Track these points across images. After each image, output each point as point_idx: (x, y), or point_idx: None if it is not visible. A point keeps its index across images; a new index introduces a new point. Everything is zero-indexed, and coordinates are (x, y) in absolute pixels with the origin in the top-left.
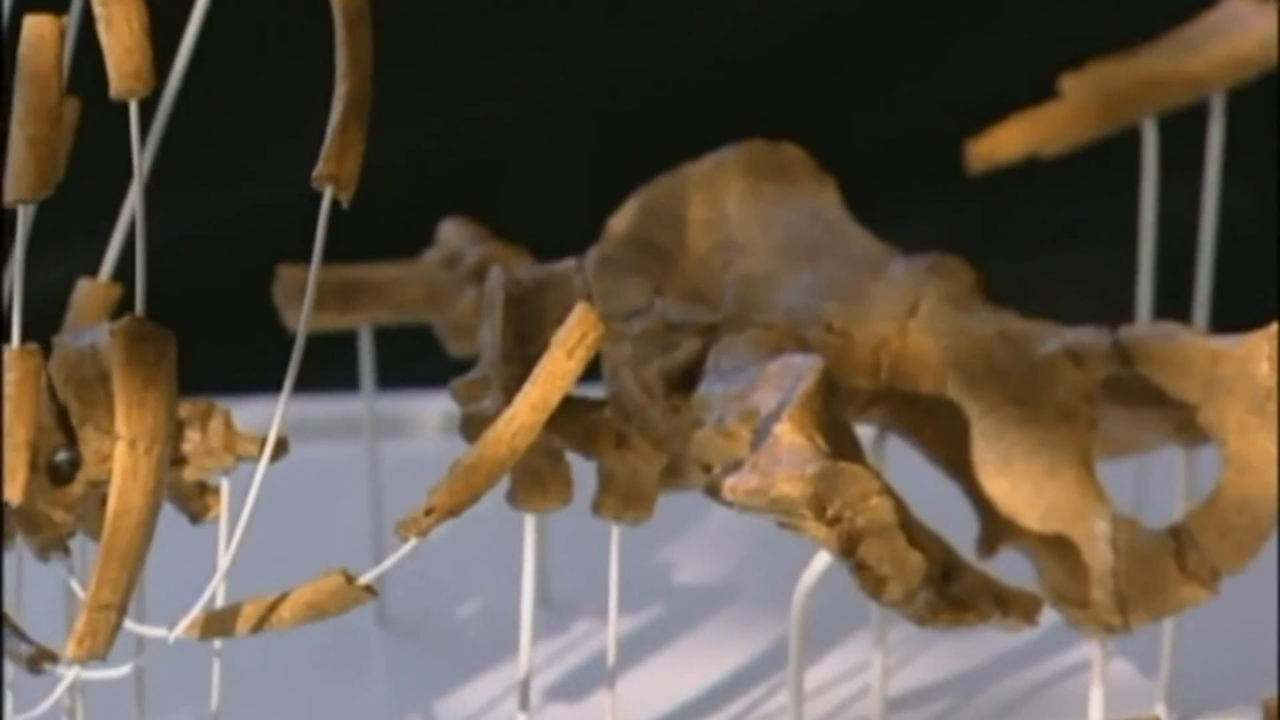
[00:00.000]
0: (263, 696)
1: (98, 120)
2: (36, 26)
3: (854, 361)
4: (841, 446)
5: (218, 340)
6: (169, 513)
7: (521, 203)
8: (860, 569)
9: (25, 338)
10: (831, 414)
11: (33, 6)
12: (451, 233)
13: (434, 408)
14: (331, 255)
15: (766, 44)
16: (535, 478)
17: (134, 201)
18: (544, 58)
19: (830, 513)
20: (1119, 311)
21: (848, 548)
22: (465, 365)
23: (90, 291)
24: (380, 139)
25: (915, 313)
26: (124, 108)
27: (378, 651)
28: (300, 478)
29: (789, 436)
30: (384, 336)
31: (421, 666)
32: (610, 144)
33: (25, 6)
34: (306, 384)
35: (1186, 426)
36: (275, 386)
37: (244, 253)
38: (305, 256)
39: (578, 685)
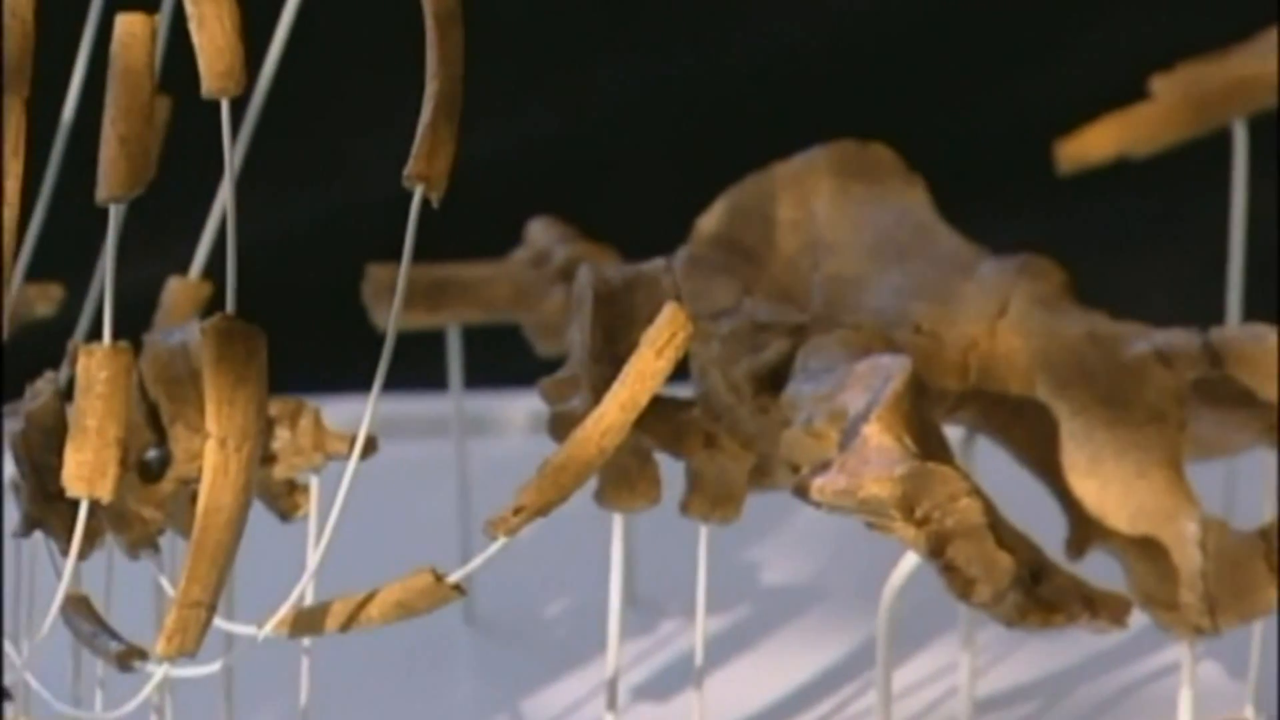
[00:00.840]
0: (350, 695)
1: (187, 119)
2: (128, 25)
3: (943, 362)
4: (930, 447)
5: (307, 338)
6: (258, 511)
7: (610, 202)
8: (949, 570)
9: (116, 336)
10: (920, 415)
11: (125, 5)
12: (540, 232)
13: (521, 407)
14: (420, 254)
15: (858, 43)
16: (623, 477)
17: (225, 200)
18: (636, 56)
19: (919, 514)
20: (1208, 313)
21: (936, 549)
22: (553, 364)
23: (180, 289)
24: (469, 137)
25: (1004, 314)
26: (214, 106)
27: (465, 650)
28: (388, 476)
29: (877, 437)
30: (472, 335)
31: (508, 665)
32: (699, 143)
33: (117, 5)
34: (395, 383)
35: (1276, 428)
36: (363, 385)
37: (333, 251)
38: (394, 255)
39: (664, 685)
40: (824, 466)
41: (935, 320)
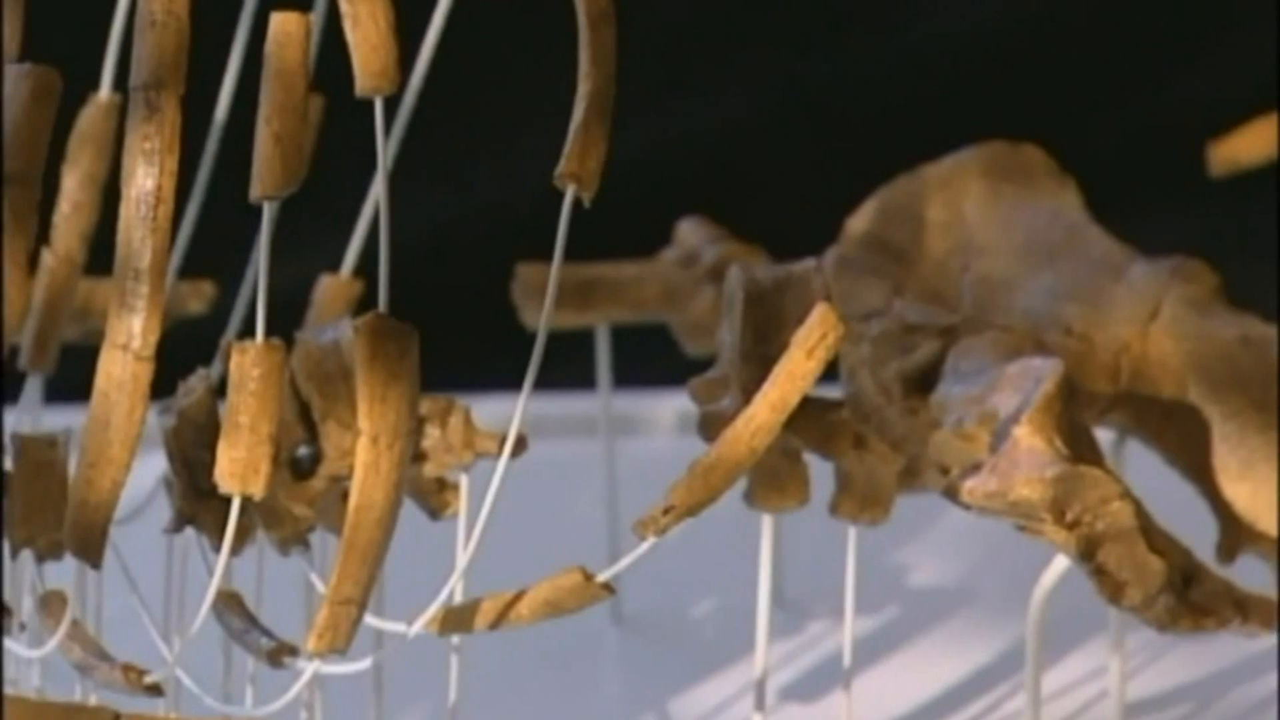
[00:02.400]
0: (498, 692)
1: (338, 117)
2: (283, 24)
3: (1094, 365)
4: (1081, 450)
5: (456, 337)
6: (408, 508)
7: (759, 202)
8: (1099, 573)
9: (268, 333)
10: (1071, 417)
11: (279, 4)
12: (689, 232)
13: (669, 406)
14: (569, 253)
15: (1008, 44)
16: (773, 477)
17: (378, 198)
18: (785, 55)
19: (1070, 516)
20: None
21: (1087, 552)
22: (701, 364)
23: (332, 287)
24: (619, 137)
25: (1157, 316)
26: (367, 105)
27: (612, 649)
28: (536, 475)
29: (1028, 439)
30: (620, 335)
31: (656, 665)
32: (849, 144)
33: (271, 4)
34: (543, 382)
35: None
36: (512, 384)
37: (483, 250)
38: (543, 254)
39: (813, 685)
40: (974, 468)
41: (1086, 322)
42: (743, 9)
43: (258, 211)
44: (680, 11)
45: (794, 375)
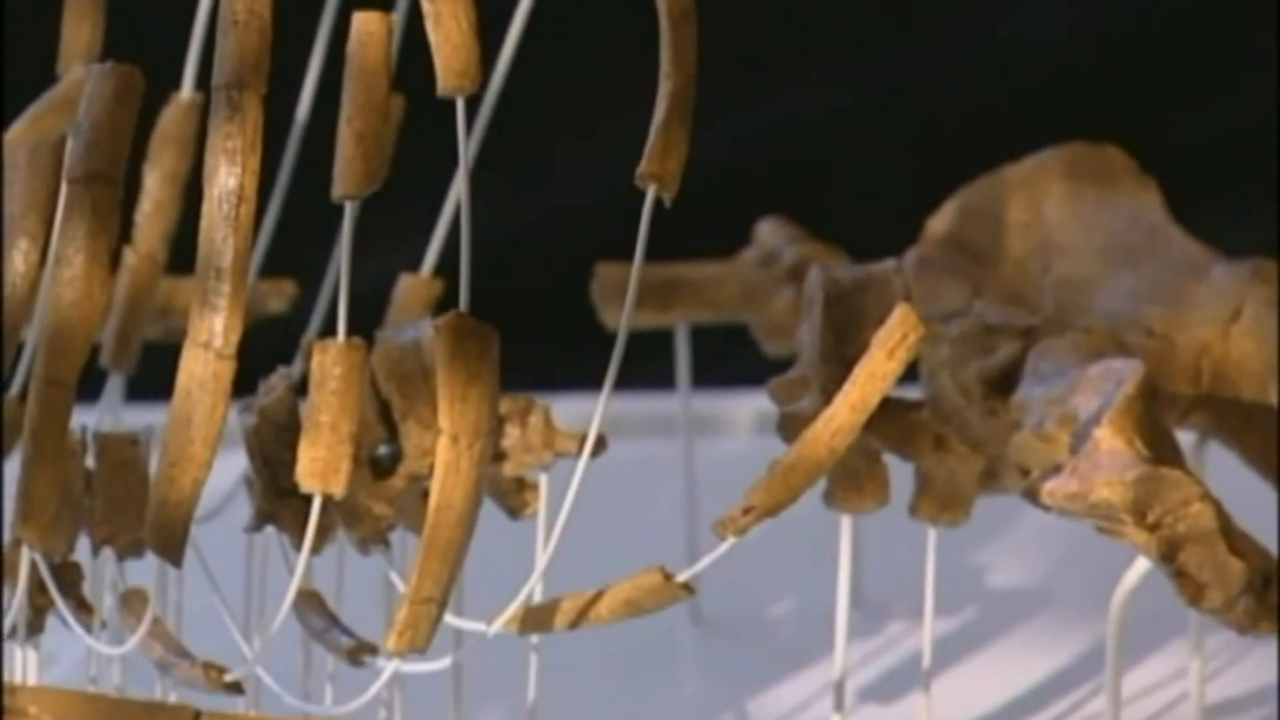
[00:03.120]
0: (576, 692)
1: (418, 117)
2: (365, 23)
3: (1175, 366)
4: (1162, 452)
5: (536, 336)
6: (487, 507)
7: (839, 202)
8: (1180, 575)
9: (349, 332)
10: (1152, 419)
11: (361, 4)
12: (769, 232)
13: (748, 406)
14: (649, 253)
15: (1089, 44)
16: (852, 478)
17: (460, 198)
18: (867, 56)
19: (1150, 518)
20: None
21: (1168, 554)
22: (780, 365)
23: (412, 286)
24: (699, 136)
25: (1238, 318)
26: (446, 104)
27: (690, 649)
28: (615, 475)
29: (1109, 441)
30: (700, 335)
31: (735, 665)
32: (930, 144)
33: (353, 4)
34: (622, 382)
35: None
36: (591, 383)
37: (562, 249)
38: (622, 254)
39: (892, 686)
40: (1054, 470)
41: (1167, 324)
42: (824, 9)
43: (338, 210)
44: (761, 11)
45: (874, 376)
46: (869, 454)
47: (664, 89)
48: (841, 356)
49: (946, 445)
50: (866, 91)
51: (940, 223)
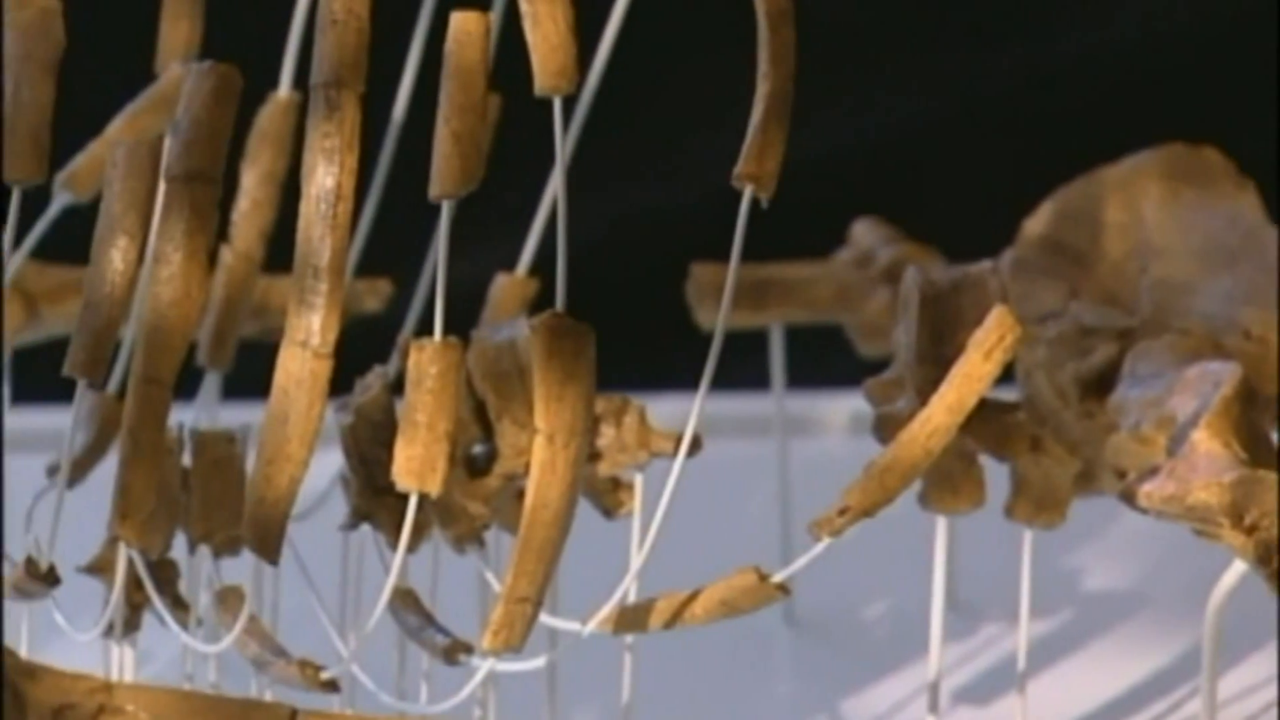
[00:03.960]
0: (670, 692)
1: (513, 116)
2: (463, 23)
3: (1272, 368)
4: (1259, 454)
5: (630, 336)
6: (582, 507)
7: (935, 202)
8: (1277, 578)
9: (445, 331)
10: (1250, 421)
11: (458, 4)
12: (864, 232)
13: (843, 407)
14: (744, 253)
15: (1188, 45)
16: (948, 479)
17: (557, 197)
18: (964, 56)
19: (1247, 521)
20: None
21: (1264, 556)
22: (875, 366)
23: (508, 286)
24: (795, 136)
25: None
26: (542, 104)
27: (784, 650)
28: (709, 475)
29: (1206, 443)
30: (794, 335)
31: (829, 666)
32: (1026, 145)
33: (450, 3)
34: (717, 382)
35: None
36: (686, 383)
37: (657, 249)
38: (716, 254)
39: (986, 688)
40: (1151, 472)
41: (1265, 326)
42: (921, 9)
43: (434, 209)
44: (858, 11)
45: (971, 377)
46: (965, 455)
47: (762, 89)
48: (938, 357)
49: (1043, 447)
50: (964, 92)
51: (1037, 224)
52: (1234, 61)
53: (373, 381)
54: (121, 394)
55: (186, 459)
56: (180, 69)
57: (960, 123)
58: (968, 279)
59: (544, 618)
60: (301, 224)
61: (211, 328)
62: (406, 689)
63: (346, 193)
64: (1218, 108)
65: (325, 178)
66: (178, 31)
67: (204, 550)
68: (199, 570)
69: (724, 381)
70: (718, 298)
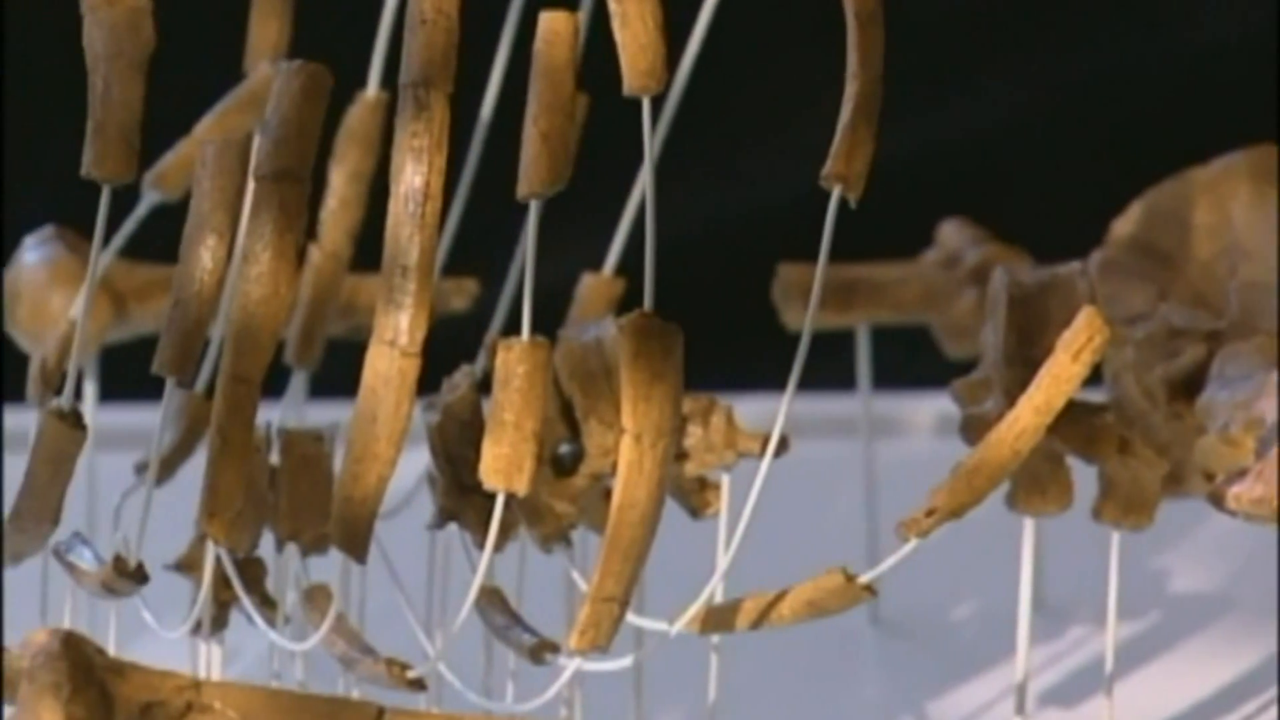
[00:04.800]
0: (756, 692)
1: (601, 115)
2: (552, 22)
3: None
4: None
5: (717, 336)
6: (668, 506)
7: (1023, 203)
8: None
9: (532, 330)
10: None
11: (547, 3)
12: (951, 233)
13: (929, 408)
14: (830, 254)
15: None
16: (1035, 481)
17: (645, 197)
18: (1052, 56)
19: None
20: None
21: None
22: (961, 366)
23: (594, 286)
24: (882, 136)
25: None
26: (628, 104)
27: (870, 651)
28: (795, 475)
29: None
30: (880, 336)
31: (915, 667)
32: (1115, 146)
33: (539, 3)
34: (803, 382)
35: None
36: (772, 383)
37: (743, 249)
38: (804, 254)
39: (1073, 690)
40: (1240, 474)
41: None
42: (1009, 9)
43: (520, 208)
44: (945, 12)
45: (1059, 378)
46: (1052, 457)
47: (850, 89)
48: (1025, 359)
49: (1131, 449)
50: (1052, 92)
51: (1126, 225)
52: None
53: (460, 381)
54: (209, 392)
55: (274, 457)
56: (269, 68)
57: (1050, 123)
58: (1056, 280)
59: (630, 617)
60: (390, 223)
61: (299, 326)
62: (493, 688)
63: (435, 192)
64: None
65: (414, 177)
66: (267, 30)
67: (291, 548)
68: (286, 568)
69: (810, 382)
70: (804, 298)
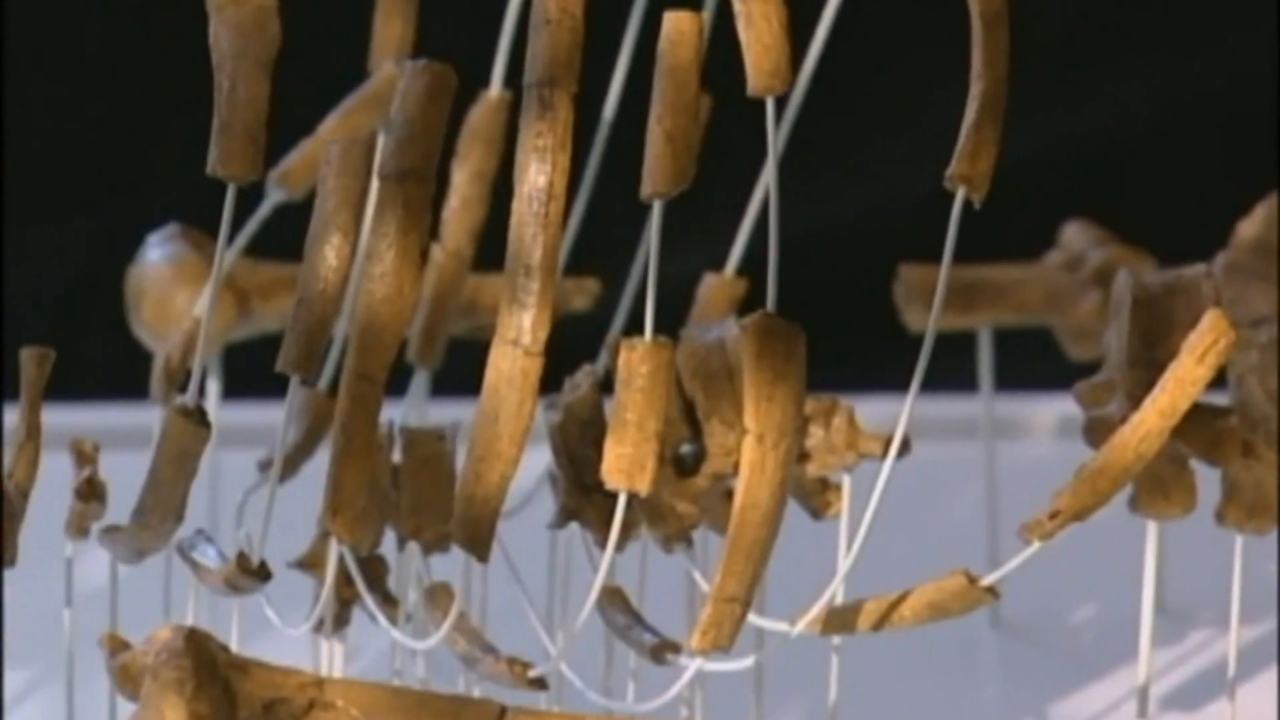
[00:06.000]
0: (876, 693)
1: (724, 115)
2: (676, 22)
3: None
4: None
5: (838, 336)
6: (788, 507)
7: (1146, 205)
8: None
9: (654, 330)
10: None
11: (672, 4)
12: (1075, 235)
13: (1051, 410)
14: (953, 255)
15: None
16: (1159, 484)
17: (769, 197)
18: (1177, 56)
19: None
20: None
21: None
22: (1083, 368)
23: (716, 286)
24: (1006, 136)
25: None
26: (751, 103)
27: (991, 653)
28: (915, 477)
29: None
30: (1002, 337)
31: (1035, 669)
32: (1241, 147)
33: (663, 4)
34: (924, 383)
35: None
36: (893, 384)
37: (864, 250)
38: (925, 255)
39: (1195, 694)
40: None
41: None
42: (1133, 9)
43: (642, 208)
44: (1068, 12)
45: (1183, 381)
46: (1176, 460)
47: (975, 90)
48: (1149, 361)
49: (1255, 452)
50: (1177, 92)
51: (1251, 227)
52: None
53: (582, 380)
54: (333, 390)
55: (396, 456)
56: (393, 67)
57: (1174, 123)
58: (1180, 282)
59: (752, 618)
60: (514, 223)
61: (421, 325)
62: (614, 687)
63: (559, 192)
64: None
65: (538, 176)
66: (391, 29)
67: (413, 547)
68: (408, 567)
69: (932, 383)
70: (926, 299)
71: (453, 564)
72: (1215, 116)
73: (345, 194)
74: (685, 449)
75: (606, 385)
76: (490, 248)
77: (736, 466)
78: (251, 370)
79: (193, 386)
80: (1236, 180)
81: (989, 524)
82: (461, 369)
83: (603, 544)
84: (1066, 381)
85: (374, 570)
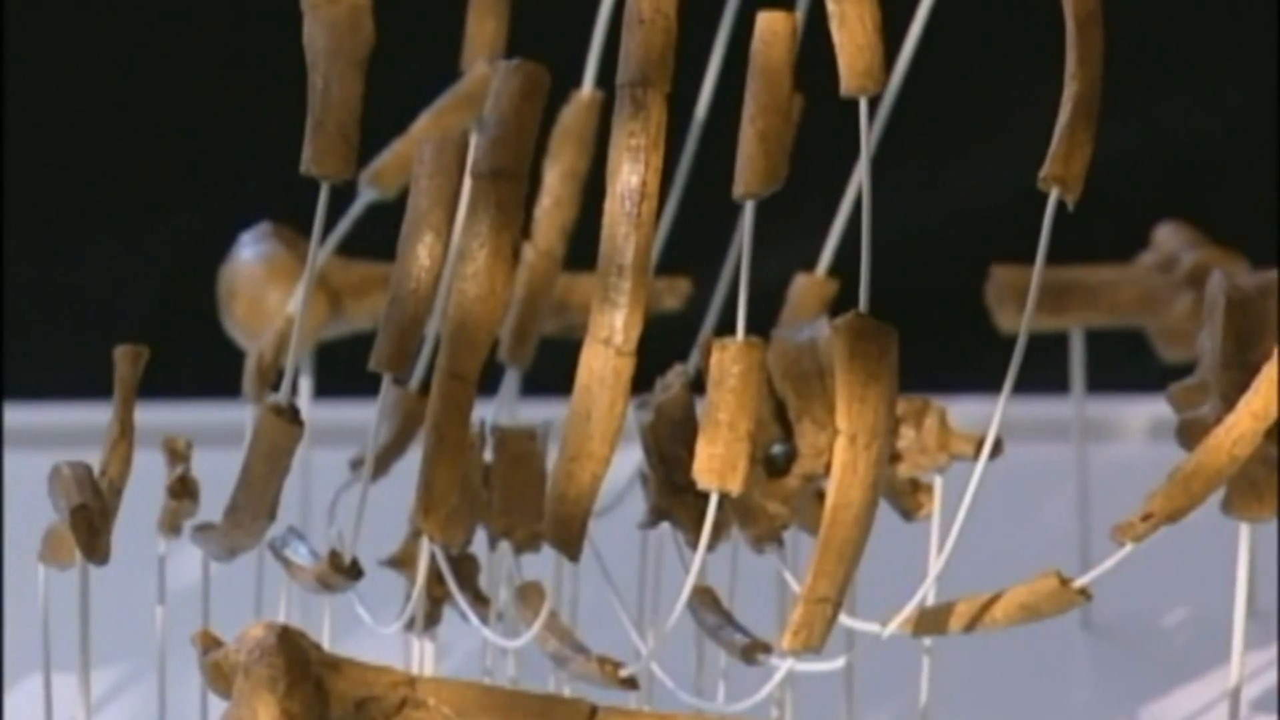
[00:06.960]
0: (967, 695)
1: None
2: (770, 22)
3: None
4: None
5: (930, 337)
6: (879, 508)
7: (1241, 206)
8: None
9: (746, 331)
10: None
11: (765, 4)
12: (1168, 236)
13: (1142, 412)
14: (1045, 255)
15: None
16: (1252, 486)
17: (862, 197)
18: (1271, 56)
19: None
20: None
21: None
22: (1176, 370)
23: (808, 286)
24: (1100, 137)
25: None
26: (843, 104)
27: (1082, 655)
28: (1007, 478)
29: None
30: (1095, 338)
31: (1127, 672)
32: None
33: (756, 4)
34: (1016, 384)
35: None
36: (985, 385)
37: (956, 250)
38: (1017, 255)
39: None
40: None
41: None
42: (1230, 10)
43: (733, 208)
44: (1162, 11)
45: (1277, 384)
46: (1269, 462)
47: (1069, 90)
48: (1243, 363)
49: None
50: (1271, 93)
51: None
52: None
53: (673, 380)
54: (425, 389)
55: (488, 455)
56: (486, 66)
57: (1269, 124)
58: (1274, 284)
59: (843, 618)
60: (606, 222)
61: (513, 324)
62: (704, 687)
63: (651, 191)
64: None
65: (630, 176)
66: (484, 29)
67: (505, 546)
68: (500, 566)
69: (1023, 384)
70: (1018, 300)
71: (544, 563)
72: None
73: (438, 193)
74: (776, 449)
75: (698, 385)
76: (582, 247)
77: (828, 467)
78: (344, 369)
79: (285, 385)
80: None
81: (1080, 526)
82: (553, 368)
83: (694, 544)
84: (1159, 383)
85: (465, 569)
